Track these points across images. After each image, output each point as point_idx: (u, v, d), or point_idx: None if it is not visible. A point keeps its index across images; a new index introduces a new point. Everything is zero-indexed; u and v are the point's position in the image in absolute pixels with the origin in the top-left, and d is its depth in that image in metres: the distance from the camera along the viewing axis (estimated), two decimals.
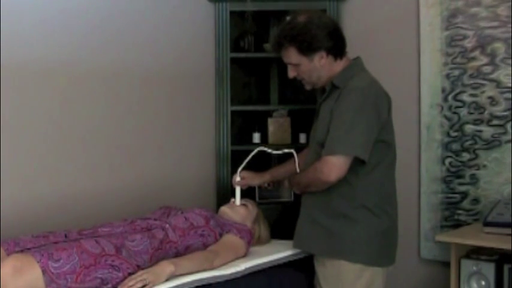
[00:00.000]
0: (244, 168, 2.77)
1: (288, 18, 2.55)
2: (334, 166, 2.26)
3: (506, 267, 2.37)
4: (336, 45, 2.41)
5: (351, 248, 2.34)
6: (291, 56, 2.41)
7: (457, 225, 2.86)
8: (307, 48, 2.37)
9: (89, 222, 2.54)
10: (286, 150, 2.70)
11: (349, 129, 2.26)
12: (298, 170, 2.58)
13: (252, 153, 2.74)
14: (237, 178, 2.76)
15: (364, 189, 2.36)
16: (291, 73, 2.47)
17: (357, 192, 2.35)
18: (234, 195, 2.79)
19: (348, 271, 2.35)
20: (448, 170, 2.90)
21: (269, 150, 2.74)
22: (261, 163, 2.86)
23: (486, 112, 2.79)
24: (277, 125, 3.32)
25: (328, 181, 2.28)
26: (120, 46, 2.89)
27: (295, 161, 2.61)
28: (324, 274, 2.43)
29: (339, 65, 2.43)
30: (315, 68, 2.41)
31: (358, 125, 2.26)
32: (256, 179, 2.77)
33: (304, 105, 3.31)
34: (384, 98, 2.38)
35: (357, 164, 2.31)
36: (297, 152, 2.66)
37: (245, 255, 2.50)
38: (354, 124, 2.26)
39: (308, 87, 2.51)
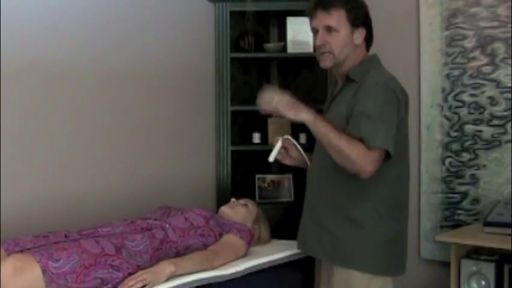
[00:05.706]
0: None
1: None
2: (374, 160, 2.09)
3: (506, 267, 2.37)
4: (371, 36, 2.34)
5: (359, 257, 2.23)
6: (338, 19, 2.25)
7: (457, 225, 2.85)
8: (355, 19, 2.26)
9: (89, 222, 2.54)
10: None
11: (379, 123, 2.12)
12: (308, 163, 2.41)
13: (279, 145, 2.36)
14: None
15: (374, 191, 2.22)
16: (320, 40, 2.27)
17: (367, 195, 2.22)
18: (234, 196, 2.79)
19: (357, 280, 2.23)
20: (448, 170, 2.90)
21: (295, 142, 2.43)
22: (262, 162, 2.83)
23: (486, 112, 2.79)
24: (277, 125, 3.31)
25: (364, 171, 2.08)
26: (120, 47, 2.89)
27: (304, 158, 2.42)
28: (331, 280, 2.31)
29: (361, 56, 2.32)
30: (350, 43, 2.28)
31: (386, 119, 2.14)
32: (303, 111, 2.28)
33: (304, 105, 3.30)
34: (402, 94, 2.26)
35: None
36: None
37: (245, 255, 2.50)
38: (382, 118, 2.13)
39: (327, 63, 2.29)
